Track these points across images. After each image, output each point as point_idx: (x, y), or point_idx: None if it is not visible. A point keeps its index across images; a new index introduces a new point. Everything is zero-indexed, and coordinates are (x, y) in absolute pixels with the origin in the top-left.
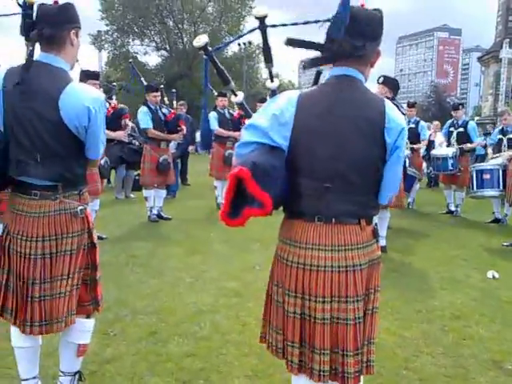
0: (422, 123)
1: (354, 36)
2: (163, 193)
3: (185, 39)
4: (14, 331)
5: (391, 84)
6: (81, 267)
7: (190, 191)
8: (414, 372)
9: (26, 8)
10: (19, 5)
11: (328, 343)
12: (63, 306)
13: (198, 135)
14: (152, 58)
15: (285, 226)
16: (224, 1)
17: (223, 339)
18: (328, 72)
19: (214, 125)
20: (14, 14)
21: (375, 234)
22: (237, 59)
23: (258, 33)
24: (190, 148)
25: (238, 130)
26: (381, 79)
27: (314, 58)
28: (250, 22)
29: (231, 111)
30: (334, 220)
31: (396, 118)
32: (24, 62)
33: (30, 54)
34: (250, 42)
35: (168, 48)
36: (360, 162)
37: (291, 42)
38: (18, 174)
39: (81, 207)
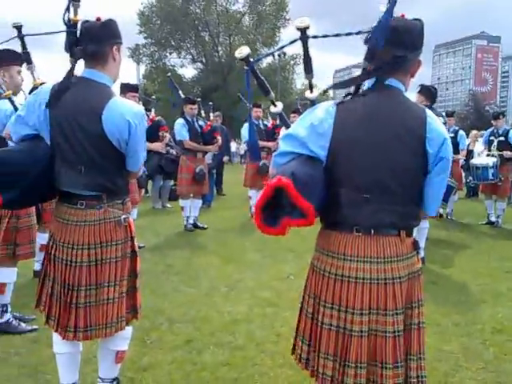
0: (461, 132)
1: (395, 46)
2: (199, 202)
3: (220, 51)
4: (56, 337)
5: (428, 92)
6: (127, 275)
7: (225, 201)
8: None
9: (71, 25)
10: (64, 23)
11: (365, 356)
12: (112, 311)
13: (232, 146)
14: (188, 71)
15: (322, 237)
16: (259, 13)
17: (258, 349)
18: (367, 82)
19: (247, 136)
20: (59, 31)
21: (415, 245)
22: (271, 70)
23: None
24: (225, 158)
25: (272, 140)
26: (418, 88)
27: (348, 80)
28: (284, 33)
29: (265, 122)
30: (372, 231)
31: (437, 127)
32: (67, 77)
33: (71, 69)
34: (284, 53)
35: (204, 60)
36: (400, 172)
37: (337, 87)
38: (64, 185)
39: (124, 216)
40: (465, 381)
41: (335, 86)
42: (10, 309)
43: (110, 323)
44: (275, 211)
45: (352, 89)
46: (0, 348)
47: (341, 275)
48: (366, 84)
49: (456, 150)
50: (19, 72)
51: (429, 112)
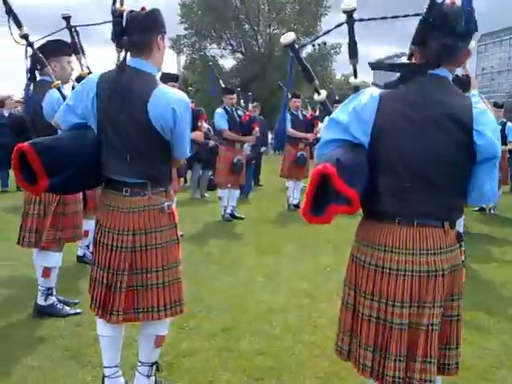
0: (509, 124)
1: (445, 34)
2: (237, 193)
3: (260, 41)
4: (100, 320)
5: (458, 82)
6: (173, 262)
7: (263, 192)
8: None
9: (117, 16)
10: (112, 13)
11: (405, 350)
12: (157, 296)
13: (269, 136)
14: (228, 61)
15: (363, 227)
16: (300, 2)
17: (295, 339)
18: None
19: (287, 126)
20: (107, 22)
21: (459, 238)
22: (311, 60)
23: (332, 33)
24: (262, 149)
25: (311, 131)
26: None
27: (397, 64)
28: (325, 22)
29: (304, 112)
30: (415, 222)
31: (485, 118)
32: (115, 67)
33: (124, 59)
34: (324, 43)
35: (243, 51)
36: (445, 162)
37: (377, 67)
38: (110, 173)
39: (167, 203)
40: (507, 378)
41: (381, 67)
42: (54, 292)
43: (156, 308)
44: (321, 199)
45: (396, 75)
46: (45, 330)
47: (381, 266)
48: None
49: (504, 143)
50: (69, 62)
51: (476, 102)
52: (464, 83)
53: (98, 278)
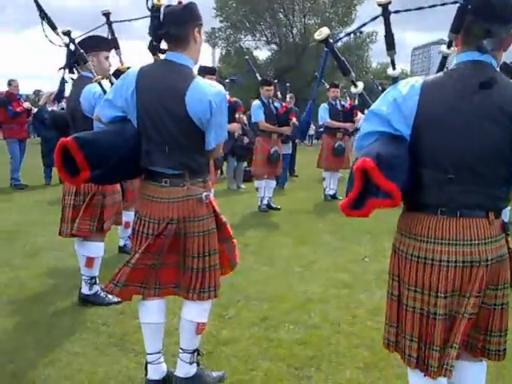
0: None
1: (488, 19)
2: (273, 183)
3: (294, 32)
4: (143, 308)
5: (506, 69)
6: (212, 249)
7: (298, 182)
8: None
9: (154, 10)
10: (148, 8)
11: (447, 338)
12: (195, 279)
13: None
14: (262, 53)
15: (404, 219)
16: None
17: (333, 329)
18: (455, 57)
19: (325, 116)
20: (144, 17)
21: (504, 228)
22: (346, 49)
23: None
24: (297, 140)
25: (350, 121)
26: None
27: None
28: (360, 11)
29: (343, 102)
30: (458, 213)
31: None
32: (153, 61)
33: (160, 51)
34: (360, 32)
35: (278, 41)
36: (490, 152)
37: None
38: (149, 165)
39: (205, 193)
40: None
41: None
42: (98, 281)
43: (193, 288)
44: (360, 193)
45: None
46: (89, 318)
47: (424, 257)
48: (455, 59)
49: None
50: (107, 58)
51: None
52: (510, 72)
53: (139, 263)
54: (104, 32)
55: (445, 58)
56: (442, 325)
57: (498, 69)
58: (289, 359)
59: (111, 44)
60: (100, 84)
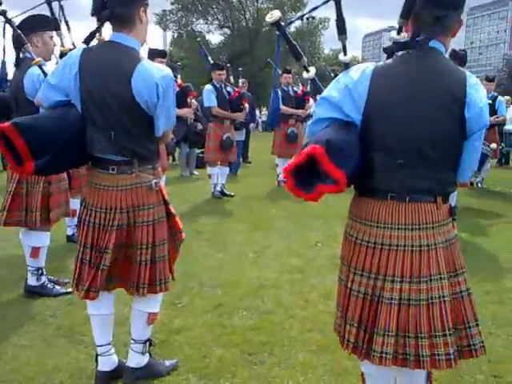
0: (500, 99)
1: (436, 5)
2: (226, 170)
3: (247, 16)
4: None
5: (455, 56)
6: (161, 240)
7: (251, 169)
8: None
9: None
10: None
11: (394, 325)
12: (144, 273)
13: (258, 113)
14: (215, 37)
15: (355, 204)
16: None
17: (286, 314)
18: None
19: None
20: None
21: (452, 212)
22: (298, 35)
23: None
24: (251, 126)
25: (302, 107)
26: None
27: (398, 42)
28: None
29: (295, 88)
30: (407, 198)
31: (478, 92)
32: (97, 42)
33: (95, 32)
34: (312, 17)
35: (231, 25)
36: (438, 137)
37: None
38: (95, 151)
39: (155, 181)
40: (495, 348)
41: (393, 50)
42: (45, 272)
43: (141, 284)
44: (311, 178)
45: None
46: (37, 310)
47: (373, 242)
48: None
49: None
50: (51, 38)
51: (470, 76)
52: (462, 58)
53: (83, 258)
54: (42, 11)
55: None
56: (387, 309)
57: (447, 55)
58: (242, 345)
59: (54, 24)
60: (40, 67)
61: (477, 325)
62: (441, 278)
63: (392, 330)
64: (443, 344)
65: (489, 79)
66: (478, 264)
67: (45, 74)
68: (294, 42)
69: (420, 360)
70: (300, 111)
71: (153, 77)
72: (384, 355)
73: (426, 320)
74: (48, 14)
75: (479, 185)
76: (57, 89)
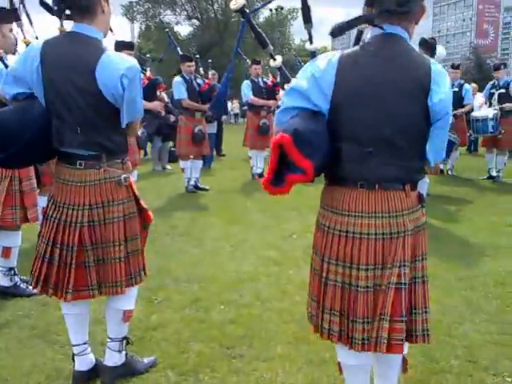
0: (467, 86)
1: None
2: (200, 163)
3: (215, 7)
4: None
5: (427, 45)
6: (134, 235)
7: (225, 162)
8: (457, 339)
9: None
10: None
11: (372, 312)
12: (119, 270)
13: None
14: (183, 28)
15: (326, 193)
16: None
17: (264, 307)
18: (369, 31)
19: (249, 94)
20: None
21: (421, 199)
22: (268, 25)
23: None
24: (223, 118)
25: (273, 98)
26: (417, 41)
27: (350, 20)
28: None
29: (265, 79)
30: (377, 186)
31: (442, 79)
32: (59, 34)
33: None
34: (281, 8)
35: (199, 17)
36: (404, 124)
37: (337, 32)
38: (62, 145)
39: (124, 175)
40: (469, 333)
41: (339, 29)
42: (17, 272)
43: (118, 282)
44: (280, 170)
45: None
46: (10, 311)
47: (345, 231)
48: (369, 34)
49: (461, 105)
50: (11, 30)
51: (435, 63)
52: (431, 46)
53: (44, 255)
54: (4, 3)
55: (360, 33)
56: (363, 297)
57: (415, 44)
58: (221, 339)
59: (14, 15)
60: (1, 59)
61: (425, 312)
62: (403, 266)
63: (370, 317)
64: (399, 329)
65: (454, 66)
66: (450, 251)
67: (6, 67)
68: (259, 30)
69: (378, 342)
70: (271, 102)
71: (118, 68)
72: (366, 342)
73: (391, 303)
74: (6, 5)
75: (449, 172)
76: (19, 81)
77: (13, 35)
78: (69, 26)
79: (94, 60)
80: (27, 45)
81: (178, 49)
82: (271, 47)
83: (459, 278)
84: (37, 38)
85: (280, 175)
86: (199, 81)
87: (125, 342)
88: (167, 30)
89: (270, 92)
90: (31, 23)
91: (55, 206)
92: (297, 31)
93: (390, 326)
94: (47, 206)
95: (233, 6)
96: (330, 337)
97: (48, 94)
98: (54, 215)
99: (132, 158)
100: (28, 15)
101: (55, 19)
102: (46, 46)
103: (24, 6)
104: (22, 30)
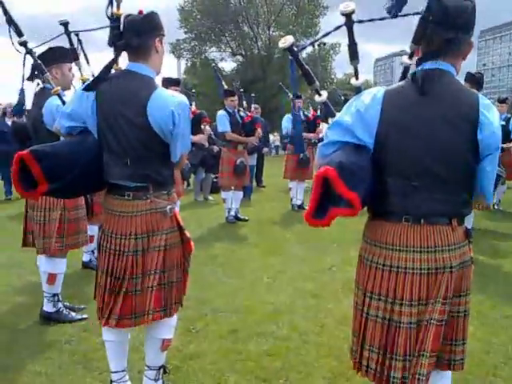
0: None
1: (446, 28)
2: (240, 194)
3: (259, 44)
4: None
5: (473, 79)
6: (171, 266)
7: (265, 193)
8: (502, 379)
9: (114, 20)
10: (108, 17)
11: (412, 348)
12: (150, 299)
13: (271, 137)
14: (228, 64)
15: (370, 227)
16: (297, 3)
17: (301, 340)
18: (415, 66)
19: (289, 126)
20: (103, 27)
21: (468, 234)
22: (311, 61)
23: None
24: (265, 150)
25: (313, 131)
26: (464, 76)
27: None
28: (323, 22)
29: (306, 113)
30: (422, 220)
31: (490, 114)
32: (114, 71)
33: (113, 60)
34: (324, 44)
35: (243, 53)
36: (450, 159)
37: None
38: (112, 177)
39: (170, 206)
40: None
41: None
42: (61, 298)
43: (151, 311)
44: (322, 202)
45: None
46: (52, 336)
47: (389, 265)
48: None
49: (508, 138)
50: (70, 69)
51: (482, 98)
52: (478, 80)
53: (101, 284)
54: (60, 42)
55: (406, 69)
56: (406, 334)
57: (461, 79)
58: (257, 371)
59: (73, 55)
60: (59, 95)
61: (463, 344)
62: (444, 303)
63: (411, 354)
64: (421, 364)
65: (500, 100)
66: (497, 287)
67: (63, 103)
68: (306, 67)
69: (417, 378)
70: (311, 135)
71: (168, 104)
72: (406, 381)
73: (432, 340)
74: (67, 45)
75: (496, 207)
76: (74, 116)
77: (71, 74)
78: (124, 63)
79: (145, 96)
80: (84, 82)
81: (223, 83)
82: (317, 83)
83: (506, 315)
84: (93, 76)
85: (322, 208)
86: (242, 114)
87: (162, 370)
88: (213, 65)
89: (311, 125)
90: (88, 62)
91: (105, 235)
92: (339, 65)
93: (428, 362)
94: (99, 236)
95: (282, 44)
96: (367, 374)
97: (101, 128)
98: (105, 244)
99: (176, 188)
100: (85, 54)
101: (108, 57)
102: (100, 81)
103: (82, 45)
104: (79, 69)
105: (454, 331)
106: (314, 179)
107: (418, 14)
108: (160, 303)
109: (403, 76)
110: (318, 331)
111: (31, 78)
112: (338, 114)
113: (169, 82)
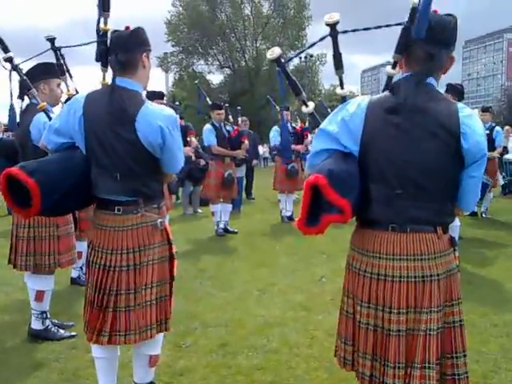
0: (498, 129)
1: (429, 43)
2: (229, 207)
3: (247, 56)
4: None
5: (455, 90)
6: (163, 279)
7: (255, 205)
8: None
9: (101, 35)
10: (96, 33)
11: (403, 356)
12: (150, 314)
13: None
14: (215, 77)
15: (357, 235)
16: (284, 16)
17: (292, 353)
18: (399, 77)
19: (277, 138)
20: (90, 42)
21: (453, 242)
22: (298, 72)
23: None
24: (254, 162)
25: (301, 143)
26: (445, 87)
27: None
28: (309, 33)
29: (293, 125)
30: (408, 229)
31: (472, 123)
32: (101, 86)
33: (113, 79)
34: (311, 55)
35: (231, 66)
36: (433, 167)
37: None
38: (101, 192)
39: (160, 220)
40: (505, 382)
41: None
42: (48, 316)
43: (149, 326)
44: (314, 210)
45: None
46: (40, 354)
47: (377, 274)
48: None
49: (492, 147)
50: (59, 85)
51: (463, 107)
52: (460, 92)
53: (91, 300)
54: (47, 58)
55: (390, 79)
56: (395, 341)
57: (442, 89)
58: None
59: (61, 70)
60: (45, 111)
61: (464, 356)
62: (438, 311)
63: (402, 362)
64: (428, 376)
65: (483, 109)
66: (484, 296)
67: (49, 119)
68: (294, 78)
69: None
70: (299, 147)
71: (156, 119)
72: None
73: (422, 351)
74: (53, 60)
75: (483, 215)
76: (61, 132)
77: (59, 89)
78: (109, 78)
79: (133, 111)
80: (69, 97)
81: (208, 99)
82: (304, 94)
83: (494, 324)
84: (76, 91)
85: (314, 215)
86: (228, 127)
87: None
88: (196, 81)
89: (299, 137)
90: (71, 77)
91: (95, 251)
92: (326, 77)
93: (420, 373)
94: (88, 252)
95: (269, 55)
96: (363, 381)
97: (89, 143)
98: (94, 260)
99: (165, 202)
100: (68, 70)
101: (94, 71)
102: (88, 98)
103: (64, 60)
104: (66, 84)
105: (453, 343)
106: (304, 187)
107: (399, 24)
108: (157, 318)
109: (387, 86)
110: (308, 343)
111: (21, 97)
112: (322, 123)
113: (153, 96)
